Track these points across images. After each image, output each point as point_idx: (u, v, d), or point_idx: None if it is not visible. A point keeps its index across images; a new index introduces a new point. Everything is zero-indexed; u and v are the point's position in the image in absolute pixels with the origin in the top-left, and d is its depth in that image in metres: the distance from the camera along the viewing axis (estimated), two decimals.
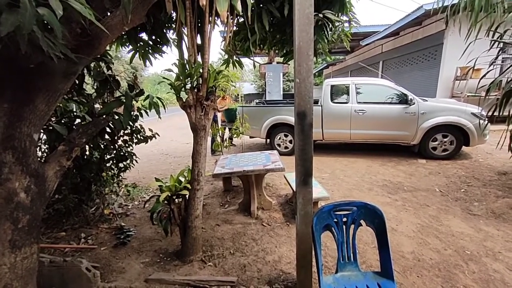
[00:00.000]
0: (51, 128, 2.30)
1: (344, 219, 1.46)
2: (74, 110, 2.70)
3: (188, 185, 2.11)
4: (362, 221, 1.47)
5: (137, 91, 2.59)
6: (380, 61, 12.26)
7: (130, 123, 3.01)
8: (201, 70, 1.95)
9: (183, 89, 1.97)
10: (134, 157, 3.07)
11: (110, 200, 3.26)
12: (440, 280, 1.90)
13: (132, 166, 3.40)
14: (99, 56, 2.69)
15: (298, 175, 1.67)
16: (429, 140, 4.82)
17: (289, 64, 13.04)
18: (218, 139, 4.80)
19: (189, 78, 1.92)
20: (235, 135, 4.38)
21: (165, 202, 2.17)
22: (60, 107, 2.70)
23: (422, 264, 2.08)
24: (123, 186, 3.47)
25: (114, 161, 2.89)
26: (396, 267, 2.03)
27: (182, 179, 2.30)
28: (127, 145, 3.08)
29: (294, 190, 3.02)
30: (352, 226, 1.47)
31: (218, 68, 2.13)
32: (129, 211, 3.28)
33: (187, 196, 2.17)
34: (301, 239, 1.79)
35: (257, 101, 7.60)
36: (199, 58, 2.05)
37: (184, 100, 1.97)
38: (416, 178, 4.01)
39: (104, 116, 2.33)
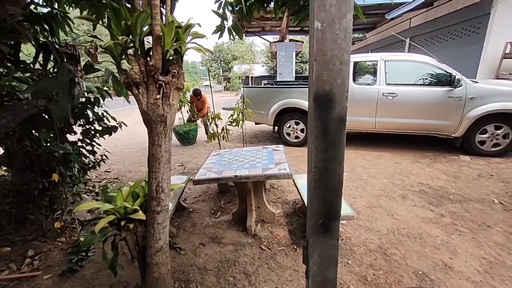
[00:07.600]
0: None
1: None
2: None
3: (139, 208, 1.40)
4: None
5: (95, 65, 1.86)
6: (406, 38, 10.82)
7: (91, 110, 2.31)
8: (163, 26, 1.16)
9: (124, 55, 1.20)
10: (91, 154, 2.37)
11: (75, 205, 2.64)
12: None
13: (103, 162, 2.75)
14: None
15: (314, 214, 0.90)
16: (477, 132, 3.86)
17: (302, 43, 11.83)
18: (212, 128, 4.01)
19: (130, 37, 1.14)
20: (234, 123, 3.62)
21: (114, 228, 1.49)
22: (7, 86, 2.03)
23: None
24: (91, 186, 2.83)
25: (62, 161, 2.19)
26: None
27: (141, 194, 1.60)
28: (89, 137, 2.40)
29: (305, 203, 2.26)
30: None
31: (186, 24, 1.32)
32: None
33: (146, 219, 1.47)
34: None
35: (265, 81, 6.70)
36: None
37: (127, 75, 1.21)
38: (462, 182, 3.13)
39: (30, 100, 1.63)
